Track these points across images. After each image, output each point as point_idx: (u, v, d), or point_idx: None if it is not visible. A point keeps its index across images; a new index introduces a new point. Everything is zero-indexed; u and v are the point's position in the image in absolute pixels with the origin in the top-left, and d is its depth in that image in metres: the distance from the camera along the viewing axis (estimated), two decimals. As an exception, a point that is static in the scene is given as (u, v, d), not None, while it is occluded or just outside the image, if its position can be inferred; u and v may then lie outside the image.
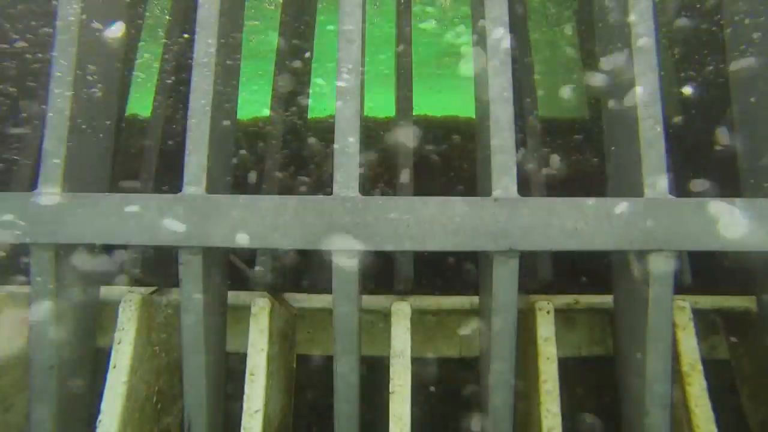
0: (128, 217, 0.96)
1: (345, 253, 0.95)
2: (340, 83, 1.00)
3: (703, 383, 1.08)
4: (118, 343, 1.12)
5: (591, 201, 0.94)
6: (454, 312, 1.34)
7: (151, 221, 0.95)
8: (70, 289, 1.05)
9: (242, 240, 0.95)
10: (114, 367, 1.10)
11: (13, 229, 0.96)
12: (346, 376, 1.00)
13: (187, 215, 0.95)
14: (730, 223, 0.93)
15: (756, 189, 1.10)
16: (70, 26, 1.04)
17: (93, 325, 1.18)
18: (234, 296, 1.27)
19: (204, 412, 1.04)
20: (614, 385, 1.27)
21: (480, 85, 1.13)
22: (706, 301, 1.27)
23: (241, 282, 1.31)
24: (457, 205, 0.94)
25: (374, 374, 1.20)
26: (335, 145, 0.97)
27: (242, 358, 1.14)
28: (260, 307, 1.15)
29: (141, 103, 1.70)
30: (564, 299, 1.32)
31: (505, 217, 0.93)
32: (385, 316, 1.19)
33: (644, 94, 0.98)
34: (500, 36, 1.02)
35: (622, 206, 0.94)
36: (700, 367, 1.09)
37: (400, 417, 1.07)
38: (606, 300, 1.30)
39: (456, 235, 0.93)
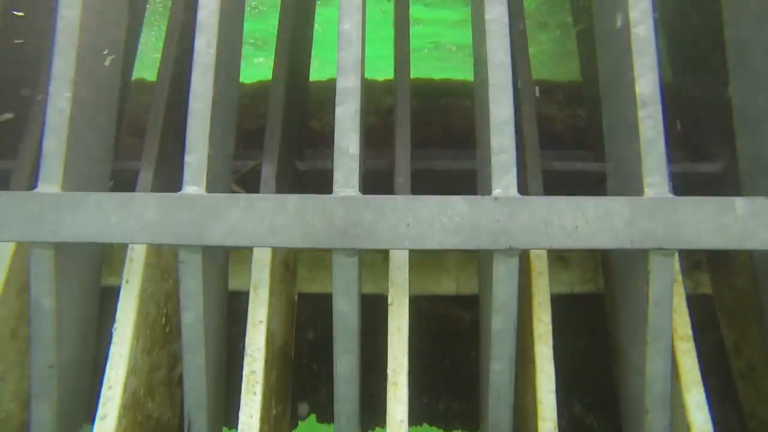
0: (128, 217, 0.96)
1: (344, 252, 0.95)
2: (340, 83, 1.00)
3: (683, 292, 1.15)
4: (130, 261, 1.20)
5: (591, 200, 0.94)
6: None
7: (152, 220, 0.96)
8: (71, 287, 1.05)
9: (243, 240, 0.95)
10: (127, 281, 1.18)
11: (12, 228, 0.96)
12: (347, 376, 1.00)
13: (188, 214, 0.96)
14: (731, 221, 0.94)
15: (756, 188, 1.11)
16: (70, 21, 1.04)
17: (94, 324, 1.18)
18: None
19: (204, 412, 1.04)
20: (603, 320, 1.42)
21: (479, 84, 1.14)
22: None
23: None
24: (457, 205, 0.94)
25: (376, 312, 1.25)
26: (335, 145, 0.97)
27: (245, 296, 1.18)
28: None
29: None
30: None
31: (506, 216, 0.93)
32: (384, 255, 1.24)
33: (644, 93, 0.98)
34: (501, 40, 1.03)
35: (622, 205, 0.94)
36: (680, 279, 1.15)
37: (398, 328, 1.12)
38: None
39: (456, 235, 0.93)
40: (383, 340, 1.12)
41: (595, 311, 1.46)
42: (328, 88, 1.72)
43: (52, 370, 1.00)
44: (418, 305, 1.40)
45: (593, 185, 1.45)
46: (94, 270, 1.16)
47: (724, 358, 1.42)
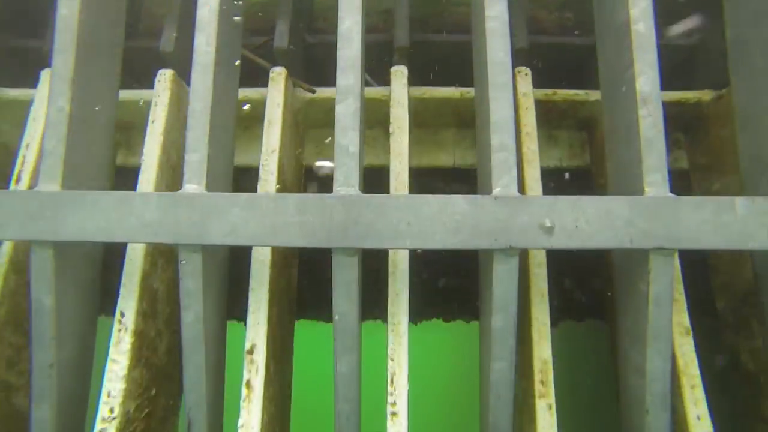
0: (128, 215, 0.96)
1: (344, 251, 0.95)
2: (340, 81, 1.00)
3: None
4: (155, 106, 1.32)
5: (591, 199, 0.94)
6: (445, 102, 1.52)
7: (152, 219, 0.95)
8: (71, 286, 1.05)
9: (243, 238, 0.95)
10: (153, 122, 1.29)
11: (12, 227, 0.96)
12: (347, 376, 1.00)
13: (188, 213, 0.95)
14: (731, 221, 0.93)
15: (756, 187, 1.10)
16: (70, 20, 1.04)
17: (93, 323, 1.18)
18: (242, 94, 1.40)
19: (204, 412, 1.04)
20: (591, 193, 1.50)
21: (479, 83, 1.14)
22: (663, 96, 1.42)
23: (255, 80, 1.44)
24: (458, 204, 0.94)
25: (377, 181, 1.36)
26: (335, 143, 0.97)
27: (254, 172, 1.28)
28: (278, 73, 1.36)
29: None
30: (542, 91, 1.49)
31: (506, 215, 0.93)
32: (386, 131, 1.32)
33: (644, 91, 0.98)
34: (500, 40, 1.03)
35: (622, 205, 0.94)
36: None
37: (398, 152, 1.26)
38: (579, 94, 1.50)
39: (456, 234, 0.93)
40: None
41: (584, 184, 1.60)
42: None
43: (52, 369, 1.00)
44: (418, 179, 1.50)
45: (583, 60, 1.53)
46: (94, 268, 1.16)
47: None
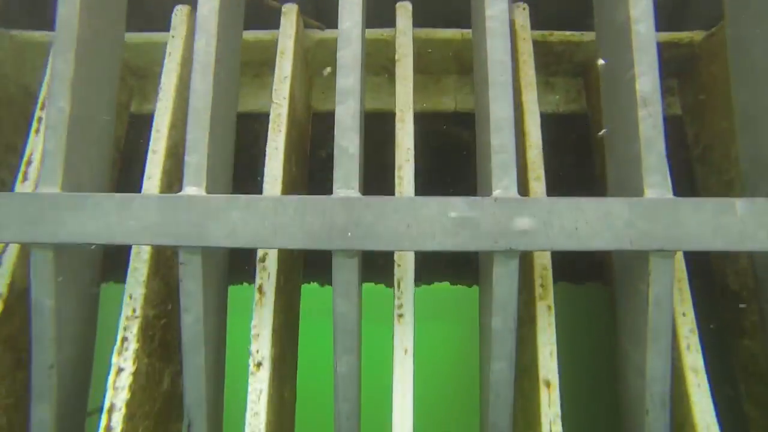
0: (128, 218, 0.96)
1: (344, 253, 0.95)
2: (340, 82, 1.00)
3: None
4: (172, 38, 1.37)
5: (591, 201, 0.94)
6: (447, 44, 1.58)
7: (152, 221, 0.95)
8: (71, 287, 1.05)
9: (243, 240, 0.95)
10: (170, 54, 1.36)
11: (12, 229, 0.96)
12: (347, 376, 1.00)
13: (188, 215, 0.95)
14: (731, 222, 0.93)
15: (756, 188, 1.10)
16: (70, 20, 1.04)
17: (94, 324, 1.18)
18: (254, 35, 1.49)
19: (204, 412, 1.04)
20: (587, 139, 1.63)
21: (479, 83, 1.13)
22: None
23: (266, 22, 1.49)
24: (458, 205, 0.94)
25: (381, 125, 1.42)
26: (335, 144, 0.97)
27: (264, 117, 1.30)
28: (289, 8, 1.42)
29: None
30: (539, 32, 1.54)
31: (506, 217, 0.93)
32: (390, 77, 1.43)
33: (644, 91, 0.97)
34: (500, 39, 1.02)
35: (622, 206, 0.94)
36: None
37: (404, 77, 1.30)
38: (575, 34, 1.55)
39: (456, 235, 0.93)
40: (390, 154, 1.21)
41: (581, 129, 1.67)
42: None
43: (52, 370, 1.00)
44: (421, 122, 1.54)
45: (579, 4, 1.51)
46: (94, 270, 1.16)
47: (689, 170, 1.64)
